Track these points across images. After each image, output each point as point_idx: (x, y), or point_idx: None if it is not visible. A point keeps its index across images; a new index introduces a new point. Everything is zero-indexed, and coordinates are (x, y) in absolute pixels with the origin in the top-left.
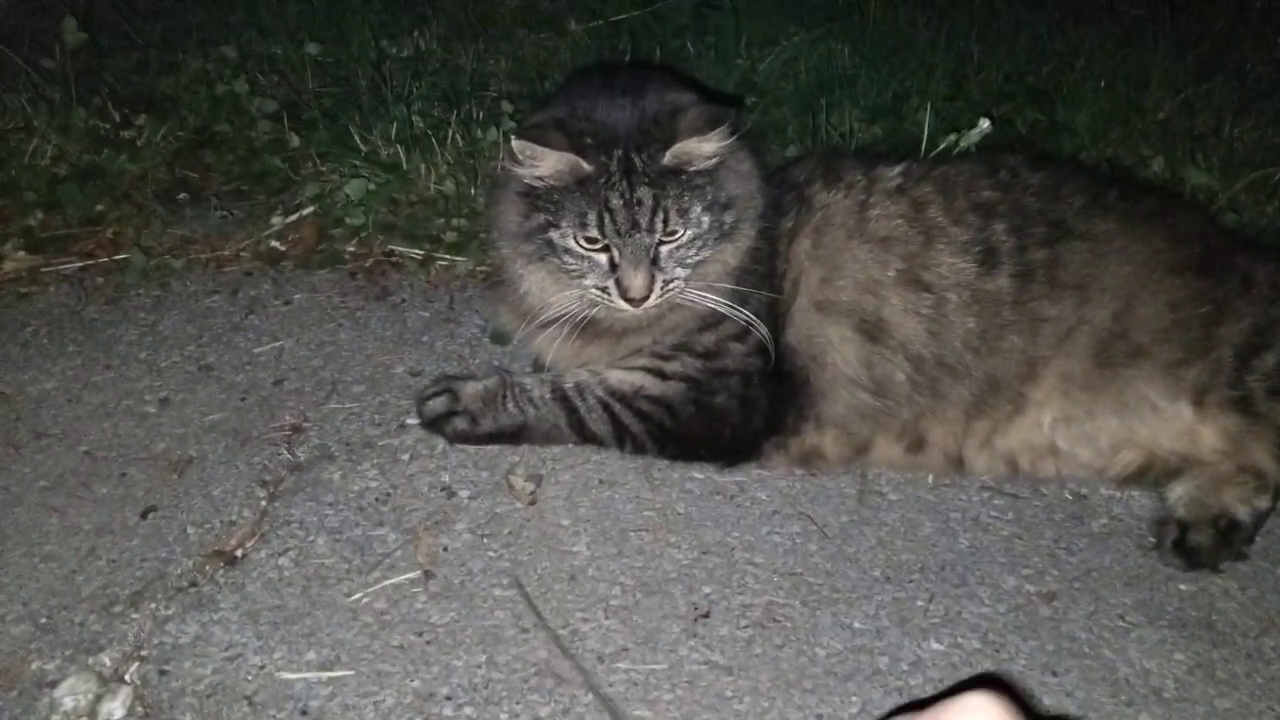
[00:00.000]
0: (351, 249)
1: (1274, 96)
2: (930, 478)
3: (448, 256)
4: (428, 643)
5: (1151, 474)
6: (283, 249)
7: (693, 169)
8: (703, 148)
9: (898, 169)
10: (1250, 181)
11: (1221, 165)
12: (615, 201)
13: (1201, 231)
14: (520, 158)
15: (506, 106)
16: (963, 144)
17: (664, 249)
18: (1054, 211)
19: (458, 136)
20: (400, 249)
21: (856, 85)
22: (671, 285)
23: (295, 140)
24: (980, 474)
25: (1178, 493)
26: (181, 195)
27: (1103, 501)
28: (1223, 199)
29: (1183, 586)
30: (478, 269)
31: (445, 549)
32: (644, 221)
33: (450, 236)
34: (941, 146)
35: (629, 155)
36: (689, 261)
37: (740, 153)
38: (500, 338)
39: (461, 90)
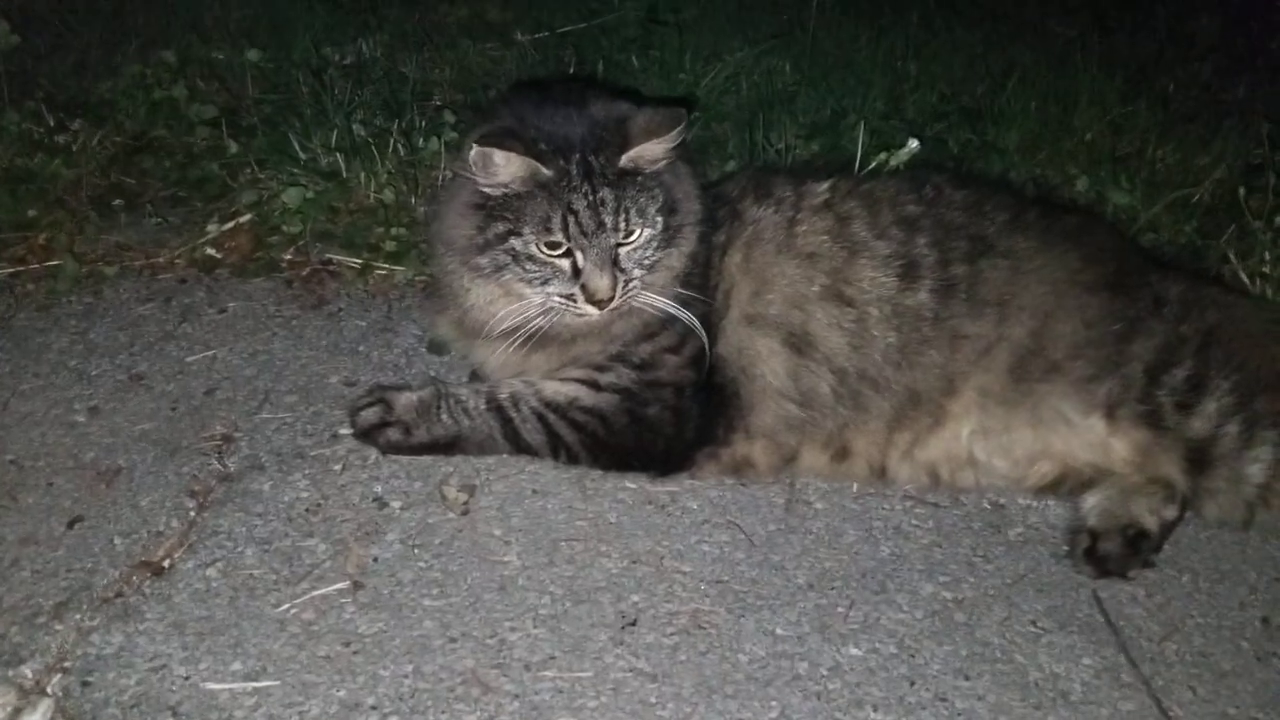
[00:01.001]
0: (289, 257)
1: (1196, 120)
2: (855, 487)
3: (386, 265)
4: (354, 653)
5: (1066, 484)
6: (219, 256)
7: (647, 171)
8: (657, 149)
9: (825, 185)
10: (1169, 202)
11: (1144, 186)
12: (579, 204)
13: (1117, 250)
14: (476, 166)
15: (449, 116)
16: (892, 163)
17: (623, 250)
18: (976, 227)
19: (399, 145)
20: (338, 257)
21: (796, 102)
22: (631, 286)
23: (234, 147)
24: (903, 483)
25: (1090, 503)
26: (117, 201)
27: (1020, 511)
28: (1143, 219)
29: (1094, 593)
30: (416, 278)
31: (375, 560)
32: (609, 222)
33: (389, 245)
34: (872, 165)
35: (586, 159)
36: (646, 262)
37: (680, 160)
38: (438, 348)
39: (404, 99)
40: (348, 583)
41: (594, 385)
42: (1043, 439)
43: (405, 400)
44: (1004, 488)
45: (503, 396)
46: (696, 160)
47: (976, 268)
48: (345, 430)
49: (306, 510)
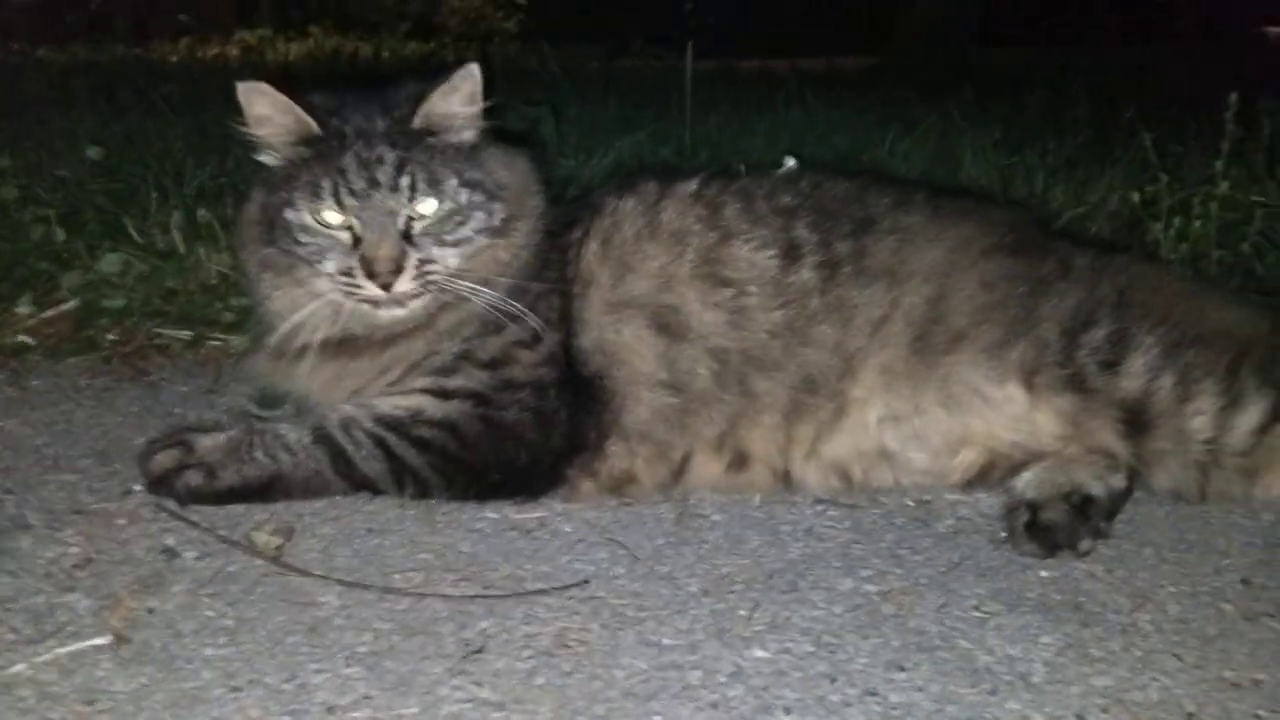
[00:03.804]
0: (114, 336)
1: (1079, 166)
2: (757, 498)
3: (221, 336)
4: (99, 712)
5: (996, 473)
6: (33, 343)
7: (448, 138)
8: (452, 106)
9: (694, 180)
10: (1070, 219)
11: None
12: (349, 162)
13: (1014, 223)
14: (242, 106)
15: None
16: None
17: (418, 224)
18: (859, 210)
19: None
20: (168, 331)
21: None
22: (431, 269)
23: (62, 235)
24: (812, 489)
25: (1026, 478)
26: None
27: (947, 505)
28: None
29: (1043, 573)
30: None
31: (150, 611)
32: (384, 179)
33: (227, 317)
34: None
35: (370, 120)
36: (451, 240)
37: (515, 151)
38: (269, 400)
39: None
40: (109, 638)
41: (440, 393)
42: (960, 420)
43: (210, 440)
44: (927, 485)
45: (331, 423)
46: (548, 158)
47: (861, 243)
48: (140, 485)
49: (72, 566)
